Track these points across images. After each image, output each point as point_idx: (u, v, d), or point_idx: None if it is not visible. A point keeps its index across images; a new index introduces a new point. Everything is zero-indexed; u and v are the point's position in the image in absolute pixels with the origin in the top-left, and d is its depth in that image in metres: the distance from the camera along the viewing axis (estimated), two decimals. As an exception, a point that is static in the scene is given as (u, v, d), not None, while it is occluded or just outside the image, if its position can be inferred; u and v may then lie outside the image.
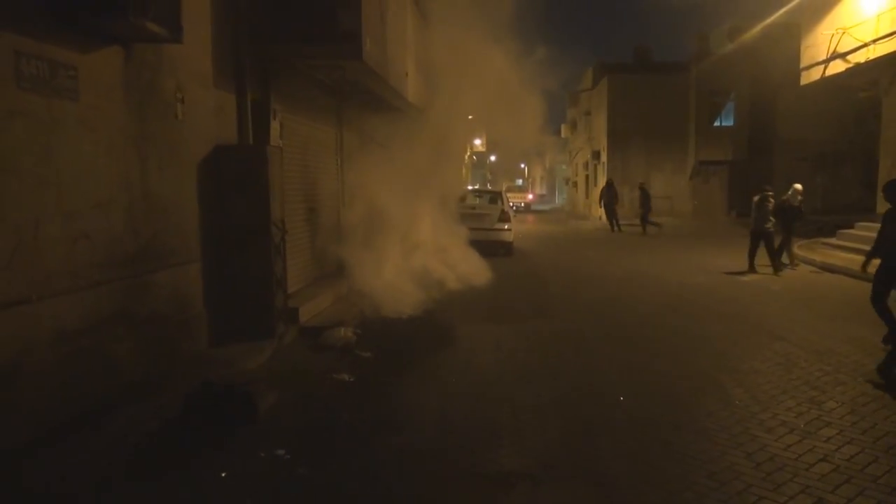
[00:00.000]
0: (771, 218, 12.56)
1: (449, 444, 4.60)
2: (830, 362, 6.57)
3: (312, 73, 9.06)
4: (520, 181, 74.12)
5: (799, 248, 14.81)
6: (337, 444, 4.56)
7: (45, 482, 3.85)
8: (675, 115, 30.64)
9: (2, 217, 4.02)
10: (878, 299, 6.54)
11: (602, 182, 32.27)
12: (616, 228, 24.10)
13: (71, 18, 4.49)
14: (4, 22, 4.02)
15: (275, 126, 8.01)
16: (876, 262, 6.81)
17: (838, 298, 10.15)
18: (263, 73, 7.70)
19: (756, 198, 12.76)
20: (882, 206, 7.76)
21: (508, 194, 23.37)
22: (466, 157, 34.52)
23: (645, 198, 23.79)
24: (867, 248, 7.40)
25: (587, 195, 37.94)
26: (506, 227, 16.05)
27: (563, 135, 48.60)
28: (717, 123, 30.16)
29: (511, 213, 17.29)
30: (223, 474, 4.05)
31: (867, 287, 6.79)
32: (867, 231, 13.20)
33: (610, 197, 25.16)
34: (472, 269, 11.96)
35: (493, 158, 63.90)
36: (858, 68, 14.62)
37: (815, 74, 16.40)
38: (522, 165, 77.54)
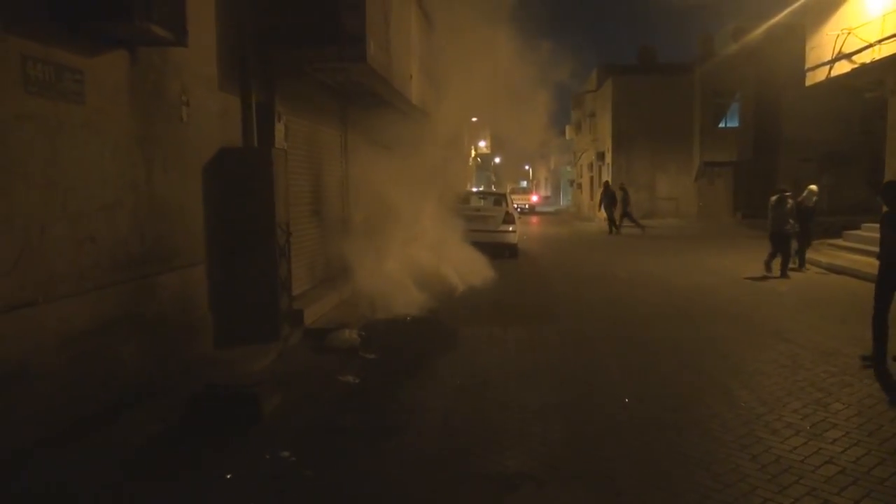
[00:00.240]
0: (791, 220, 12.08)
1: (453, 445, 4.61)
2: (836, 364, 6.54)
3: (317, 75, 9.08)
4: (524, 183, 74.07)
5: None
6: (341, 446, 4.56)
7: (50, 483, 3.86)
8: (680, 117, 30.60)
9: (8, 220, 4.05)
10: (880, 319, 6.35)
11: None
12: (614, 230, 24.08)
13: (77, 23, 4.51)
14: (11, 27, 4.05)
15: (279, 128, 8.03)
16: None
17: (844, 300, 10.11)
18: (268, 76, 7.72)
19: (773, 199, 12.31)
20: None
21: (513, 196, 23.37)
22: (471, 159, 34.54)
23: (626, 198, 24.09)
24: (873, 248, 7.34)
25: (592, 197, 37.91)
26: (510, 228, 16.03)
27: (567, 136, 48.60)
28: (722, 124, 30.13)
29: (516, 215, 17.28)
30: (228, 476, 4.06)
31: (873, 288, 6.74)
32: (873, 232, 13.10)
33: (608, 199, 25.23)
34: (477, 271, 11.97)
35: (497, 160, 63.88)
36: (864, 69, 14.56)
37: (820, 75, 16.35)
38: (527, 167, 77.49)
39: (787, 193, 12.26)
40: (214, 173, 6.54)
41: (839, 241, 15.58)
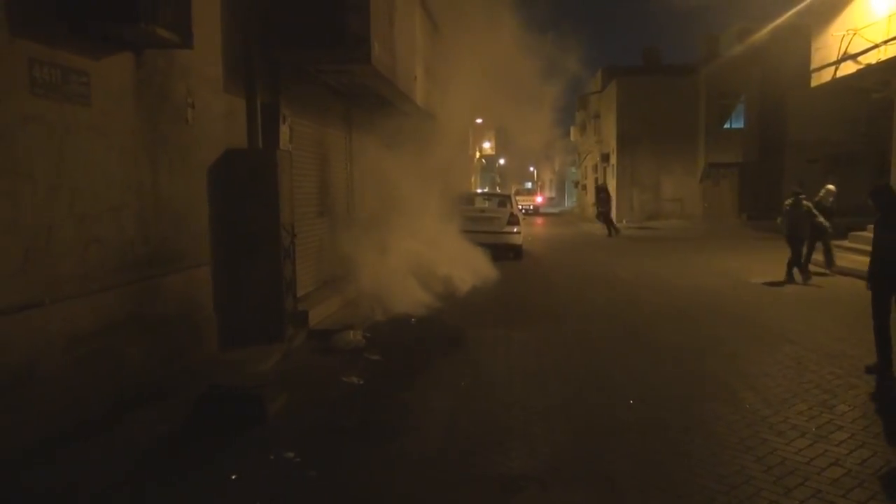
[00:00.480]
0: (822, 220, 11.71)
1: (458, 446, 4.61)
2: (842, 365, 6.52)
3: (322, 77, 9.10)
4: (529, 184, 74.05)
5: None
6: (346, 447, 4.57)
7: (57, 483, 3.88)
8: (685, 118, 30.52)
9: (16, 221, 4.07)
10: (881, 331, 6.15)
11: (611, 185, 32.20)
12: (613, 232, 24.02)
13: (83, 25, 4.54)
14: (19, 30, 4.07)
15: (284, 130, 8.06)
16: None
17: (849, 301, 10.06)
18: (273, 78, 7.75)
19: (788, 201, 11.92)
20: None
21: (517, 197, 23.39)
22: (476, 160, 34.54)
23: (605, 199, 24.20)
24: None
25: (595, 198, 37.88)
26: (515, 230, 16.01)
27: (571, 138, 48.53)
28: (727, 125, 30.04)
29: (520, 217, 17.27)
30: (233, 476, 4.07)
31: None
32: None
33: (604, 201, 25.27)
34: (481, 272, 11.97)
35: (502, 161, 63.87)
36: (870, 69, 14.51)
37: (825, 76, 16.30)
38: (532, 168, 77.48)
39: (802, 195, 11.93)
40: (219, 175, 6.56)
41: (845, 243, 15.52)
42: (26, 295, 4.12)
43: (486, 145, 42.09)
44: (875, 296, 6.25)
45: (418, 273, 10.48)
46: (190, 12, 5.24)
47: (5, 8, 3.98)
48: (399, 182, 11.15)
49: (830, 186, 12.88)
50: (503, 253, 15.09)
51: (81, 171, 4.64)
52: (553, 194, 73.00)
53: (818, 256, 12.88)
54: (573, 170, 57.84)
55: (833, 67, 15.76)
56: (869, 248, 6.64)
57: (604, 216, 24.37)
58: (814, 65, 16.93)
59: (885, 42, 13.58)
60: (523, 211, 25.20)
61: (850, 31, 14.87)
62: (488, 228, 15.43)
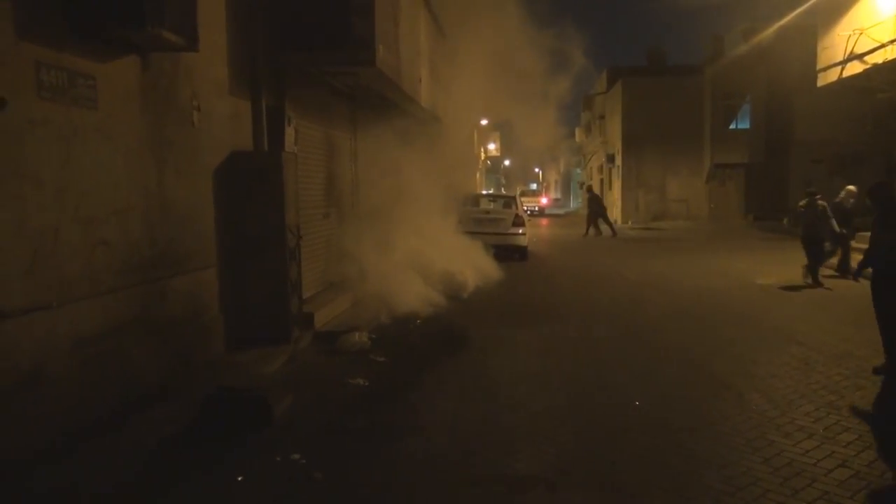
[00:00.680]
0: (837, 226, 11.31)
1: (463, 448, 4.60)
2: (849, 366, 6.49)
3: (327, 79, 9.12)
4: (534, 185, 74.00)
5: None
6: (352, 448, 4.57)
7: (63, 485, 3.90)
8: (691, 118, 30.48)
9: (23, 224, 4.09)
10: (888, 331, 6.12)
11: (617, 186, 32.19)
12: (612, 233, 23.97)
13: (89, 29, 4.56)
14: (25, 33, 4.09)
15: (289, 132, 8.07)
16: (868, 270, 6.40)
17: (856, 302, 10.01)
18: (278, 80, 7.77)
19: (802, 202, 11.59)
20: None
21: (522, 198, 23.37)
22: (481, 161, 34.53)
23: (594, 201, 24.21)
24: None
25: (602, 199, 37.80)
26: (520, 231, 16.02)
27: (577, 139, 48.50)
28: (732, 126, 29.96)
29: (525, 218, 17.27)
30: (239, 478, 4.08)
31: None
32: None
33: (598, 203, 25.23)
34: (486, 273, 11.97)
35: (507, 163, 63.87)
36: (876, 69, 14.44)
37: (832, 76, 16.23)
38: (537, 170, 77.42)
39: (818, 196, 11.56)
40: (225, 177, 6.58)
41: (851, 244, 15.42)
42: (33, 297, 4.14)
43: (491, 146, 42.08)
44: (876, 297, 6.24)
45: (423, 274, 10.49)
46: (195, 15, 5.25)
47: (11, 10, 4.00)
48: (404, 183, 11.16)
49: (851, 187, 12.46)
50: (508, 254, 15.11)
51: (88, 174, 4.66)
52: (558, 195, 72.91)
53: (832, 259, 12.64)
54: (578, 171, 57.77)
55: (839, 67, 15.69)
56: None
57: (602, 217, 24.23)
58: (820, 64, 16.85)
59: (892, 42, 13.52)
60: (528, 212, 25.14)
61: (856, 31, 14.80)
62: (493, 230, 15.43)
